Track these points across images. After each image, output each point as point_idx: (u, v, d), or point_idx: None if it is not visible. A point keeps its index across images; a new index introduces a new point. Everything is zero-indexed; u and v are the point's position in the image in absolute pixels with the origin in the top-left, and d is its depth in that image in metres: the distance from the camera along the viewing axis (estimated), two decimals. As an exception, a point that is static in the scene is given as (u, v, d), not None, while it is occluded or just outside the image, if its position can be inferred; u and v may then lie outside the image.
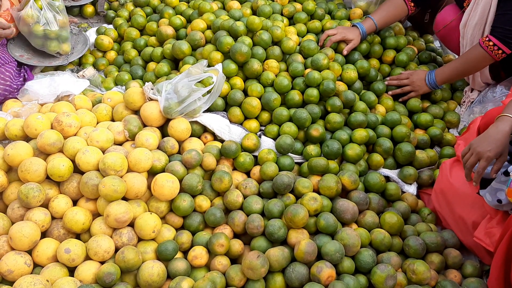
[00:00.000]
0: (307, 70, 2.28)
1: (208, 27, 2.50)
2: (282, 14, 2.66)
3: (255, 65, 2.22)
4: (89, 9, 2.87)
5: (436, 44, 2.91)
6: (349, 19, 2.71)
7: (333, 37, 2.40)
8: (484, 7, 2.12)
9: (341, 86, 2.27)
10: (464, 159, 1.64)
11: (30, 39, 2.34)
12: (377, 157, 2.11)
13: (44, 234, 1.70)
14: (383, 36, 2.55)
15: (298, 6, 2.68)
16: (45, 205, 1.72)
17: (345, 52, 2.38)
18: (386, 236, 1.78)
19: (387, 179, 2.10)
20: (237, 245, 1.76)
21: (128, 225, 1.72)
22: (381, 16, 2.43)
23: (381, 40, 2.54)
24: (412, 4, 2.41)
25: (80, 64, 2.54)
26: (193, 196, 1.84)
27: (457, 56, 2.59)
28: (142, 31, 2.71)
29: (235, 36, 2.32)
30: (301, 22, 2.61)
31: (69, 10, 2.76)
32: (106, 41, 2.59)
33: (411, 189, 2.07)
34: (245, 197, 1.88)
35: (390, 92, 2.41)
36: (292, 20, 2.67)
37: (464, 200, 1.84)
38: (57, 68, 2.44)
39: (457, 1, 2.38)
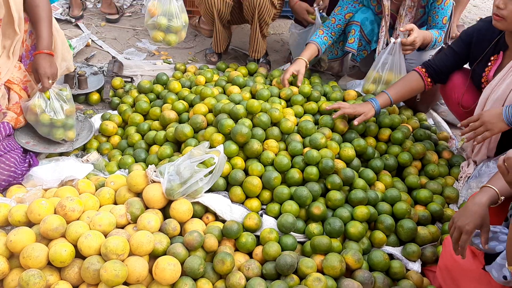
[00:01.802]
0: (306, 149, 2.35)
1: (210, 111, 2.60)
2: (279, 97, 2.78)
3: (255, 145, 2.29)
4: (95, 96, 2.99)
5: (430, 121, 3.01)
6: (343, 100, 2.83)
7: (345, 109, 2.50)
8: (508, 85, 2.15)
9: (340, 164, 2.32)
10: (450, 233, 1.67)
11: (37, 128, 2.42)
12: (379, 235, 2.10)
13: (42, 323, 1.65)
14: (378, 115, 2.64)
15: (295, 89, 2.81)
16: (45, 292, 1.69)
17: (355, 123, 2.46)
18: (394, 316, 1.73)
19: (391, 256, 2.07)
20: (240, 331, 1.70)
21: (129, 312, 1.68)
22: (396, 91, 2.51)
23: (376, 119, 2.63)
24: (429, 80, 2.48)
25: (84, 149, 2.61)
26: (195, 280, 1.81)
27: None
28: (146, 116, 2.81)
29: (235, 118, 2.41)
30: (298, 104, 2.72)
31: (75, 97, 2.88)
32: (110, 126, 2.68)
33: (416, 266, 2.04)
34: (247, 279, 1.85)
35: (465, 136, 2.25)
36: (289, 102, 2.79)
37: (469, 277, 1.81)
38: (62, 154, 2.50)
39: (474, 81, 2.41)
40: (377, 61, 2.74)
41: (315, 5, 3.23)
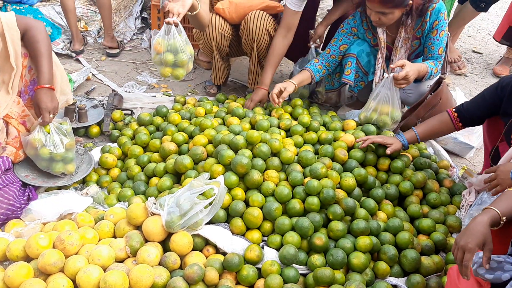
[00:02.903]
0: (307, 179, 2.34)
1: (209, 142, 2.61)
2: (279, 128, 2.79)
3: (256, 175, 2.28)
4: (95, 129, 3.00)
5: (430, 150, 3.02)
6: (343, 130, 2.84)
7: (374, 138, 2.56)
8: None
9: (341, 193, 2.31)
10: (453, 255, 1.67)
11: (36, 161, 2.42)
12: (383, 265, 2.07)
13: None
14: (376, 145, 2.64)
15: (294, 121, 2.83)
16: (42, 329, 1.65)
17: (388, 152, 2.50)
18: None
19: (395, 288, 2.04)
20: None
21: None
22: (425, 129, 2.53)
23: (374, 148, 2.63)
24: (460, 124, 2.46)
25: (84, 182, 2.59)
26: (196, 314, 1.78)
27: None
28: (146, 148, 2.81)
29: (235, 149, 2.41)
30: (298, 134, 2.73)
31: (75, 131, 2.88)
32: (110, 159, 2.67)
33: (421, 298, 2.00)
34: (250, 313, 1.81)
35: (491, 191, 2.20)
36: (289, 132, 2.80)
37: (477, 308, 1.77)
38: (61, 187, 2.49)
39: (506, 135, 2.34)
40: (373, 93, 2.77)
41: (311, 42, 3.29)
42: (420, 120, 2.80)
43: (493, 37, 4.36)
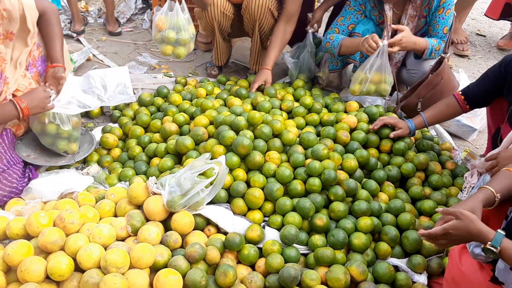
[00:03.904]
0: (308, 161, 2.32)
1: (211, 123, 2.59)
2: (281, 109, 2.77)
3: (257, 157, 2.27)
4: (96, 109, 2.98)
5: (432, 132, 2.99)
6: (345, 112, 2.81)
7: (386, 119, 2.55)
8: None
9: (342, 175, 2.30)
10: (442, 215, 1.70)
11: (41, 138, 2.41)
12: (384, 246, 2.07)
13: None
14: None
15: (296, 103, 2.80)
16: (43, 306, 1.65)
17: (391, 136, 2.51)
18: (401, 330, 1.69)
19: (396, 268, 2.04)
20: None
21: (129, 326, 1.64)
22: (432, 114, 2.50)
23: (377, 130, 2.61)
24: (468, 107, 2.43)
25: (84, 161, 2.59)
26: (197, 293, 1.78)
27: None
28: (147, 128, 2.80)
29: (236, 130, 2.40)
30: (300, 115, 2.71)
31: (76, 111, 2.87)
32: (111, 139, 2.66)
33: (422, 279, 2.00)
34: (250, 292, 1.81)
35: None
36: (290, 114, 2.78)
37: (478, 289, 1.77)
38: (62, 166, 2.48)
39: (509, 117, 2.31)
40: (365, 63, 2.72)
41: (308, 27, 3.23)
42: (421, 100, 2.76)
43: (485, 14, 4.32)
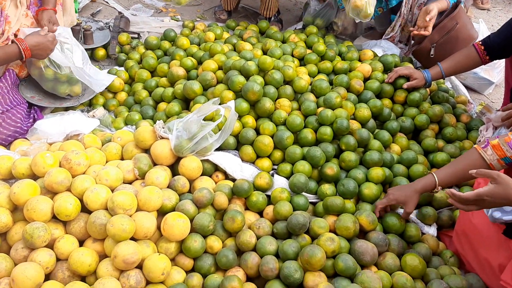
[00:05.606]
0: (320, 109, 2.26)
1: (219, 68, 2.50)
2: (293, 55, 2.67)
3: (267, 103, 2.20)
4: (101, 52, 2.89)
5: (448, 84, 2.90)
6: (359, 60, 2.71)
7: (401, 70, 2.45)
8: None
9: (355, 124, 2.23)
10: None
11: (41, 82, 2.35)
12: (394, 197, 2.03)
13: (48, 276, 1.61)
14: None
15: (309, 50, 2.70)
16: (50, 245, 1.64)
17: (405, 86, 2.42)
18: (409, 279, 1.68)
19: (406, 220, 2.01)
20: (250, 289, 1.66)
21: (136, 267, 1.63)
22: (450, 65, 2.39)
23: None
24: (488, 58, 2.32)
25: (90, 104, 2.53)
26: (204, 237, 1.76)
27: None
28: (153, 72, 2.72)
29: (246, 75, 2.31)
30: (312, 63, 2.62)
31: (81, 53, 2.78)
32: (117, 82, 2.59)
33: (431, 230, 1.98)
34: (258, 237, 1.79)
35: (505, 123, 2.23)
36: (303, 61, 2.68)
37: (488, 242, 1.75)
38: (68, 108, 2.43)
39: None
40: None
41: None
42: (434, 45, 2.64)
43: None
